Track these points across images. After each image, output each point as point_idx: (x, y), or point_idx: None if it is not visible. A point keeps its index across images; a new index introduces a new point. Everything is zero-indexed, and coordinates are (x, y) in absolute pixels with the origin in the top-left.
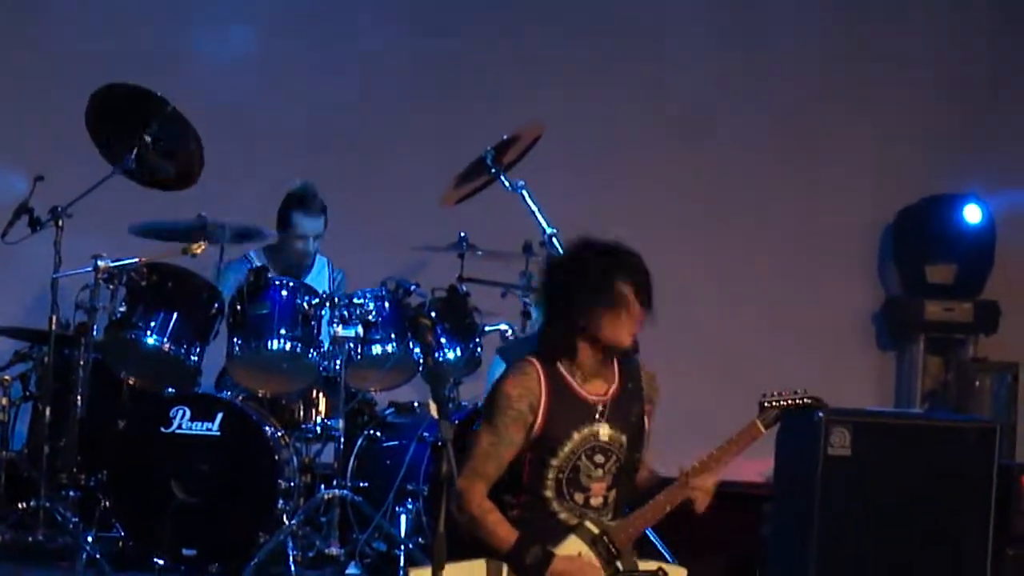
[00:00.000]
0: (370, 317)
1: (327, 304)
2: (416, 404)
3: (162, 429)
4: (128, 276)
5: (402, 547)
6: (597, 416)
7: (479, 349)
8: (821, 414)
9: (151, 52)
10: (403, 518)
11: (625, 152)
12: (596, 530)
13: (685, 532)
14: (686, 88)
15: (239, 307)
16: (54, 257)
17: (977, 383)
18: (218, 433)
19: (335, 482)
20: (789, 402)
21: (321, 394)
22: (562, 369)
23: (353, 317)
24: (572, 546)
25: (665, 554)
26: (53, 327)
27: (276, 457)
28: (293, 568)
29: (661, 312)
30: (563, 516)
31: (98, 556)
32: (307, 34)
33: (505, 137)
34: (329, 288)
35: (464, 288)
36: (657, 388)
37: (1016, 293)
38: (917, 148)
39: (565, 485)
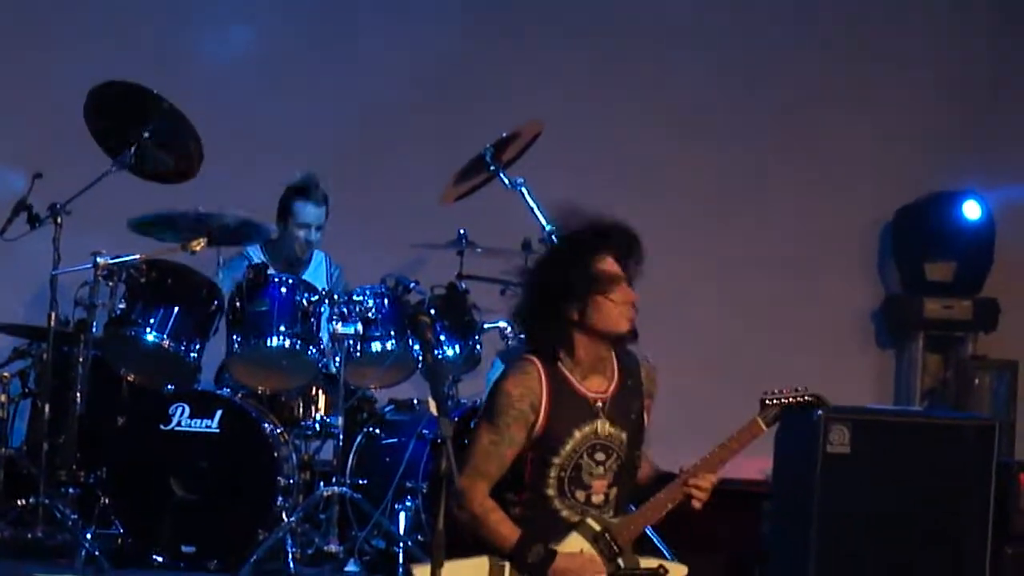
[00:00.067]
0: (369, 314)
1: (326, 301)
2: (415, 401)
3: (161, 426)
4: (127, 273)
5: (401, 544)
6: (598, 413)
7: (478, 346)
8: (820, 412)
9: (151, 50)
10: (402, 515)
11: (625, 151)
12: (598, 527)
13: (685, 530)
14: (686, 88)
15: (238, 304)
16: (53, 254)
17: (976, 381)
18: (217, 430)
19: (334, 479)
20: (790, 400)
21: (320, 391)
22: (562, 367)
23: (352, 314)
24: (574, 543)
25: (664, 552)
26: (52, 324)
27: (275, 454)
28: (292, 565)
29: (661, 311)
30: (565, 514)
31: (97, 553)
32: (307, 33)
33: (504, 134)
34: (327, 283)
35: (463, 285)
36: (656, 382)
37: (1015, 291)
38: (916, 147)
39: (567, 483)
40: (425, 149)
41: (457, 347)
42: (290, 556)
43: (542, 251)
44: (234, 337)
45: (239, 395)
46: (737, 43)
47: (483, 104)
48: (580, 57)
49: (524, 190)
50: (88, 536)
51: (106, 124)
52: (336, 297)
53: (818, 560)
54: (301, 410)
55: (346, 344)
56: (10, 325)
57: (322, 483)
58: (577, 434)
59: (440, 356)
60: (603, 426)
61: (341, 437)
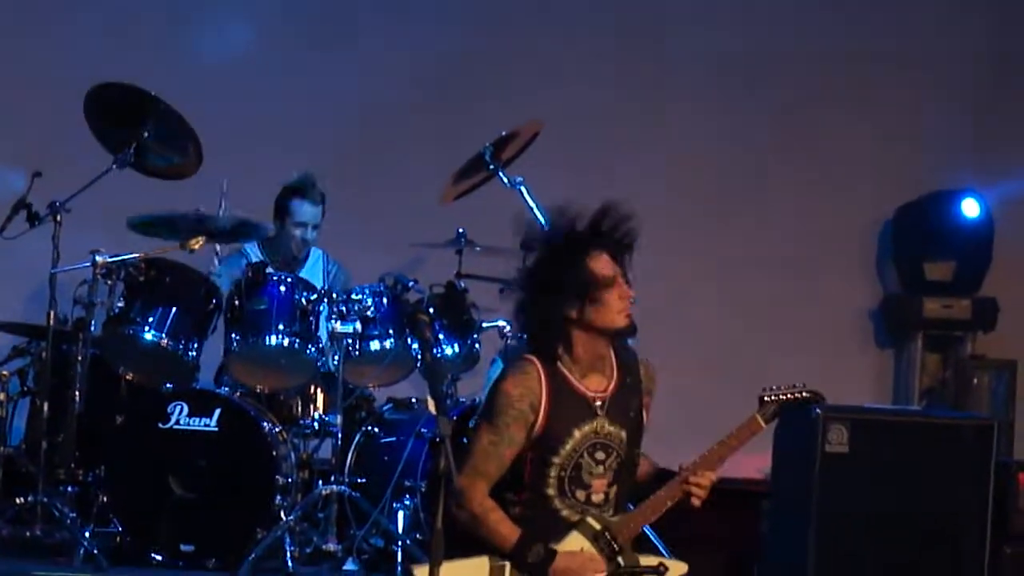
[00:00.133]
0: (368, 313)
1: (325, 300)
2: (414, 400)
3: (160, 425)
4: (126, 271)
5: (400, 543)
6: (597, 412)
7: (477, 345)
8: (819, 411)
9: (151, 50)
10: (401, 514)
11: (624, 150)
12: (598, 526)
13: (683, 528)
14: (686, 87)
15: (237, 302)
16: (52, 252)
17: (975, 380)
18: (216, 429)
19: (333, 478)
20: (789, 396)
21: (319, 390)
22: (562, 367)
23: (351, 313)
24: (574, 542)
25: (663, 551)
26: (51, 322)
27: (274, 453)
28: (290, 564)
29: (661, 311)
30: (565, 513)
31: (96, 551)
32: (307, 33)
33: (504, 133)
34: (325, 280)
35: (462, 284)
36: (655, 380)
37: (1014, 290)
38: (916, 146)
39: (567, 483)
40: (424, 148)
41: (456, 346)
42: (288, 555)
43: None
44: (233, 336)
45: (237, 394)
46: (737, 42)
47: (482, 103)
48: (579, 56)
49: (523, 189)
50: (87, 534)
51: (105, 124)
52: (335, 296)
53: (816, 559)
54: (300, 409)
55: (345, 343)
56: (9, 323)
57: (321, 482)
58: (577, 433)
59: (439, 355)
60: (603, 425)
61: (340, 436)
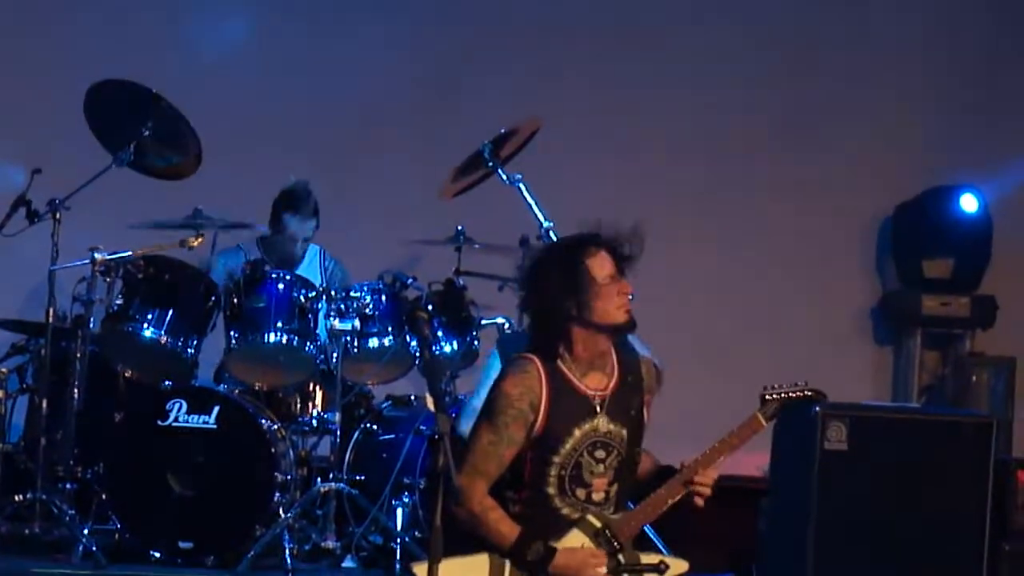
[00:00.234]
0: (367, 310)
1: (324, 297)
2: (413, 397)
3: (159, 422)
4: (125, 269)
5: (398, 540)
6: (598, 411)
7: (476, 342)
8: (818, 408)
9: (151, 48)
10: (399, 511)
11: (623, 148)
12: (598, 523)
13: (682, 526)
14: (685, 84)
15: (236, 300)
16: (51, 250)
17: (974, 378)
18: (215, 426)
19: (331, 475)
20: (790, 395)
21: (318, 387)
22: (562, 366)
23: (350, 310)
24: (574, 539)
25: (662, 549)
26: (50, 320)
27: (272, 450)
28: (289, 561)
29: (660, 308)
30: (565, 512)
31: (94, 548)
32: (306, 28)
33: (503, 131)
34: (322, 276)
35: (461, 281)
36: (656, 377)
37: (1013, 288)
38: (915, 144)
39: (567, 481)
40: (423, 145)
41: (455, 343)
42: (287, 552)
43: (537, 250)
44: (231, 333)
45: (236, 391)
46: (737, 40)
47: (481, 100)
48: (579, 54)
49: (522, 186)
50: (85, 531)
51: (105, 122)
52: (333, 293)
53: (815, 557)
54: (298, 406)
55: (343, 340)
56: (8, 320)
57: (319, 479)
58: (577, 432)
59: (438, 352)
60: (603, 423)
61: (338, 433)
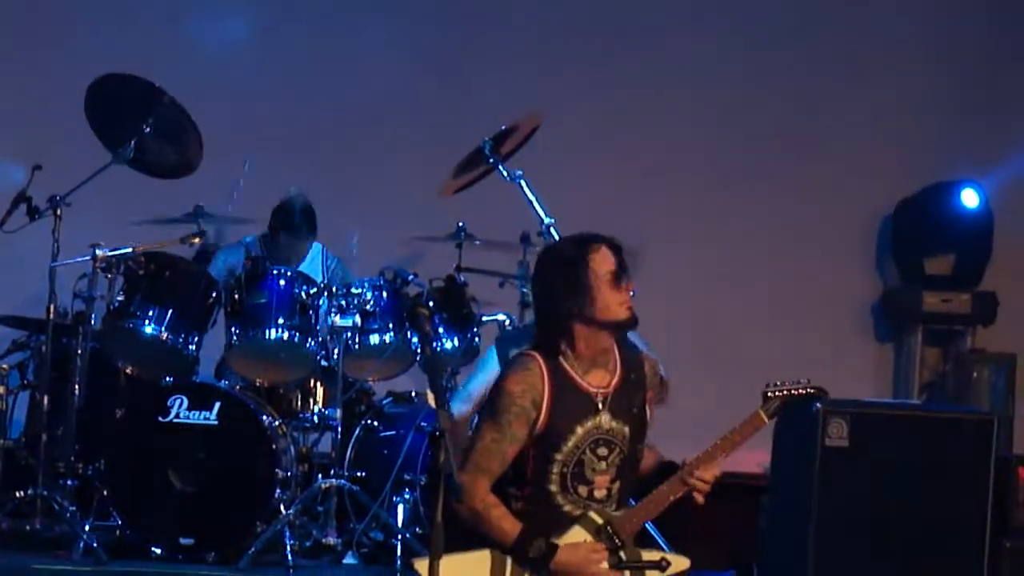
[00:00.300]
0: (368, 307)
1: (325, 293)
2: (414, 394)
3: (160, 418)
4: (126, 265)
5: (399, 537)
6: (600, 408)
7: (477, 339)
8: (819, 405)
9: (152, 45)
10: (400, 508)
11: (624, 144)
12: (600, 520)
13: (683, 523)
14: (686, 79)
15: (237, 296)
16: (52, 246)
17: (975, 374)
18: (216, 422)
19: (332, 472)
20: (792, 392)
21: (319, 383)
22: (564, 363)
23: (351, 307)
24: (576, 536)
25: (663, 546)
26: (51, 316)
27: (274, 446)
28: (290, 557)
29: (660, 304)
30: (567, 508)
31: (95, 545)
32: (307, 24)
33: (503, 127)
34: (323, 274)
35: (462, 278)
36: (659, 374)
37: (1014, 284)
38: (916, 140)
39: (570, 479)
40: (424, 141)
41: (455, 339)
42: (288, 548)
43: (541, 246)
44: (232, 329)
45: (237, 387)
46: (737, 36)
47: (482, 99)
48: (580, 50)
49: (523, 183)
50: (86, 528)
51: (106, 118)
52: (335, 290)
53: (816, 553)
54: (299, 402)
55: (344, 336)
56: (9, 317)
57: (320, 475)
58: (579, 430)
59: (438, 348)
60: (605, 420)
61: (339, 429)
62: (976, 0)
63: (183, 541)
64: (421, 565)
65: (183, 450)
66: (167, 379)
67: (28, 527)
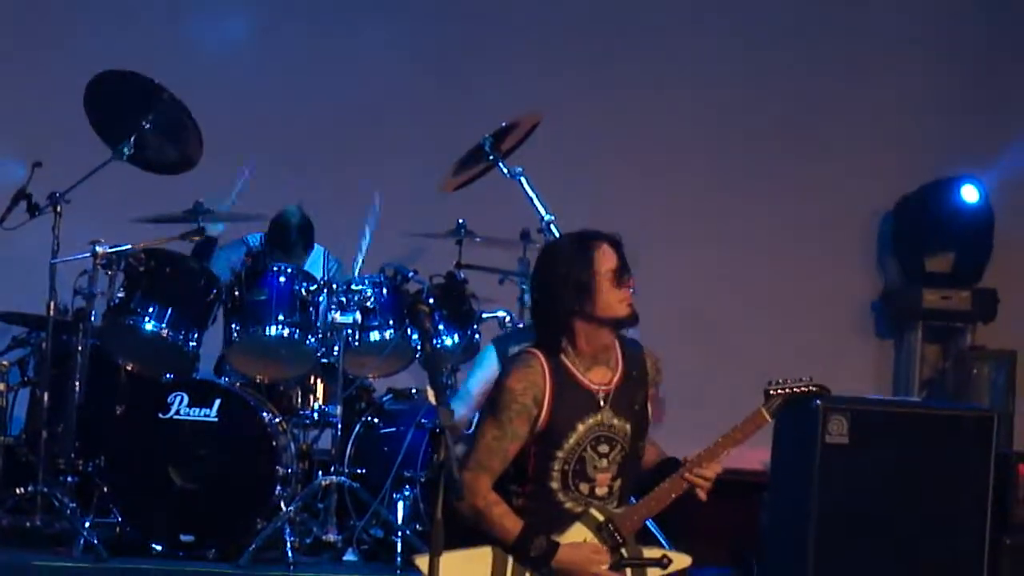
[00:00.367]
0: (368, 303)
1: (325, 290)
2: (414, 390)
3: (160, 415)
4: (126, 262)
5: (400, 534)
6: (601, 405)
7: (477, 336)
8: (819, 402)
9: (152, 42)
10: (400, 505)
11: (624, 142)
12: (601, 517)
13: (683, 520)
14: (686, 77)
15: (237, 293)
16: (52, 243)
17: (975, 371)
18: (216, 419)
19: (333, 468)
20: (794, 390)
21: (319, 380)
22: (565, 360)
23: (351, 303)
24: (577, 533)
25: (663, 542)
26: (51, 313)
27: (274, 443)
28: (290, 554)
29: (661, 301)
30: (568, 506)
31: (95, 541)
32: (307, 24)
33: (504, 124)
34: (324, 276)
35: (462, 275)
36: (661, 371)
37: (1014, 281)
38: (916, 138)
39: (571, 476)
40: (424, 141)
41: (456, 336)
42: (288, 545)
43: (542, 244)
44: (233, 326)
45: (238, 384)
46: (737, 33)
47: (482, 97)
48: (580, 50)
49: (523, 180)
50: (86, 524)
51: (106, 114)
52: (335, 286)
53: (816, 550)
54: (299, 399)
55: (345, 333)
56: (9, 313)
57: (320, 472)
58: (580, 427)
59: (439, 345)
60: (607, 418)
61: (339, 426)
62: (976, 0)
63: (183, 538)
64: (422, 562)
65: (183, 447)
66: (167, 376)
67: (28, 524)
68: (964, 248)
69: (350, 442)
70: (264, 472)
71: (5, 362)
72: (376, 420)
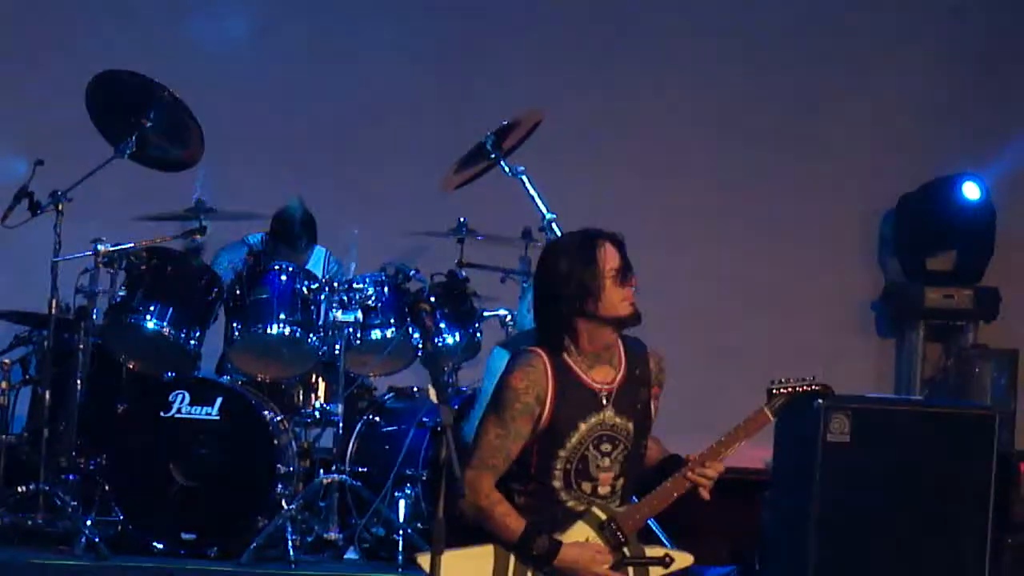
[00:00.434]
0: (369, 302)
1: (327, 289)
2: (415, 389)
3: (161, 413)
4: (128, 260)
5: (401, 532)
6: (604, 404)
7: (478, 334)
8: (820, 400)
9: (150, 42)
10: (402, 503)
11: (625, 140)
12: (603, 516)
13: (685, 518)
14: (687, 76)
15: (238, 291)
16: (54, 241)
17: (977, 370)
18: (217, 417)
19: (334, 467)
20: (797, 389)
21: (320, 379)
22: (568, 359)
23: (353, 302)
24: (579, 532)
25: (665, 541)
26: (53, 311)
27: (275, 442)
28: (292, 552)
29: (662, 300)
30: (571, 504)
31: (97, 540)
32: (307, 24)
33: (505, 123)
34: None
35: (463, 273)
36: (664, 371)
37: (1016, 280)
38: (916, 139)
39: (573, 475)
40: (426, 137)
41: (457, 335)
42: (290, 543)
43: (544, 242)
44: (234, 325)
45: (239, 382)
46: (737, 33)
47: (483, 96)
48: (581, 47)
49: (525, 178)
50: (88, 523)
51: (108, 112)
52: (336, 285)
53: (817, 549)
54: (301, 398)
55: (346, 332)
56: (11, 312)
57: (322, 471)
58: (583, 426)
59: (440, 344)
60: (609, 417)
61: (341, 425)
62: (976, 0)
63: (185, 536)
64: (423, 560)
65: (185, 445)
66: (169, 374)
67: (30, 522)
68: (965, 246)
69: (351, 440)
70: (265, 470)
71: (7, 360)
72: (377, 418)
